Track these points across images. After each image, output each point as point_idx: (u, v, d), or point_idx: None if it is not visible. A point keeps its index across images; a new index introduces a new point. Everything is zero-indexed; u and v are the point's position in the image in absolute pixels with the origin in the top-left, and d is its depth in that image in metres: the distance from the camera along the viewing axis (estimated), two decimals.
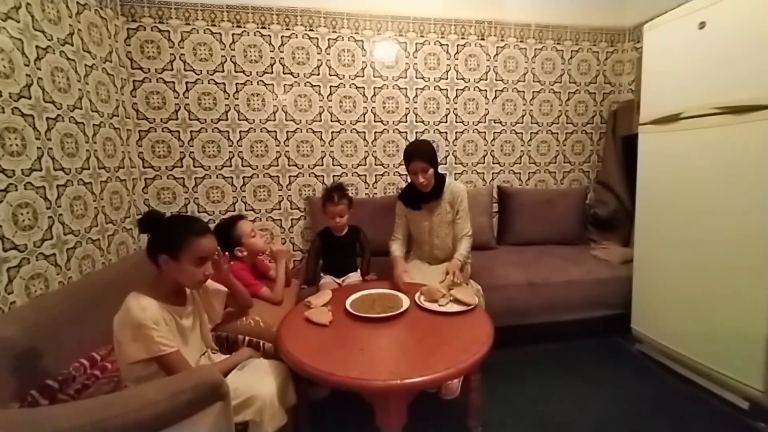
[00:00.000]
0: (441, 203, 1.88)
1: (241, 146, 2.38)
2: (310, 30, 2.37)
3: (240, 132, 2.37)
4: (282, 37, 2.34)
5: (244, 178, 2.42)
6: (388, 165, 2.62)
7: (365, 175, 2.60)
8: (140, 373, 1.04)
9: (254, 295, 1.58)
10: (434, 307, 1.46)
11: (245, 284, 1.56)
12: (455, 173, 2.72)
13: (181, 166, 2.33)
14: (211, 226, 1.37)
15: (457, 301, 1.49)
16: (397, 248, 1.93)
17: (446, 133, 2.66)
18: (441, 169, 2.02)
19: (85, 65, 1.75)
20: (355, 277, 1.96)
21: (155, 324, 1.02)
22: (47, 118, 1.48)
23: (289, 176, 2.48)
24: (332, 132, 2.50)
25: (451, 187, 1.89)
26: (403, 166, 2.59)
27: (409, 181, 1.91)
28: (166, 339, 1.03)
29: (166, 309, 1.09)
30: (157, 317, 1.04)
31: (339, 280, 1.93)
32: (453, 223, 1.89)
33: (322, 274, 1.97)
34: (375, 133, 2.56)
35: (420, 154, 1.77)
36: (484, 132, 2.73)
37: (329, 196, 1.87)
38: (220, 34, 2.27)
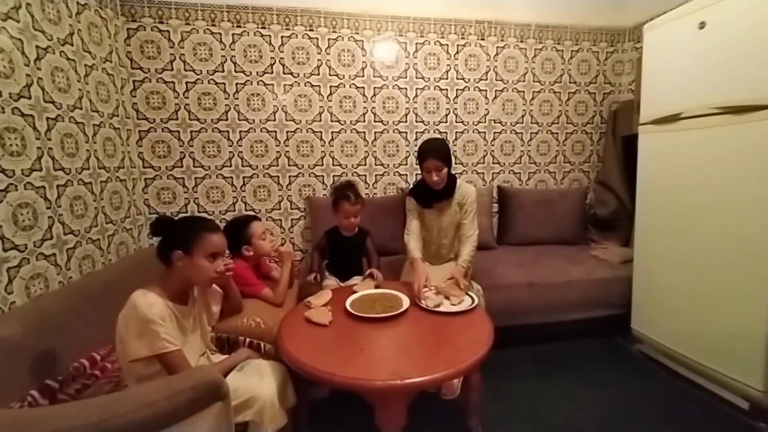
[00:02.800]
0: (451, 203, 1.87)
1: (241, 146, 2.38)
2: (310, 30, 2.37)
3: (240, 132, 2.37)
4: (282, 37, 2.34)
5: (244, 178, 2.42)
6: (388, 165, 2.62)
7: (365, 175, 2.60)
8: (141, 373, 1.04)
9: (255, 296, 1.58)
10: (434, 307, 1.46)
11: (247, 284, 1.56)
12: (455, 173, 2.71)
13: (181, 166, 2.33)
14: None
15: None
16: (414, 246, 1.84)
17: (446, 133, 2.66)
18: None
19: (85, 65, 1.75)
20: (359, 281, 1.93)
21: (162, 320, 1.03)
22: (47, 118, 1.48)
23: (289, 176, 2.48)
24: (332, 132, 2.50)
25: (462, 188, 1.88)
26: (403, 166, 2.63)
27: (417, 178, 1.91)
28: (171, 336, 1.04)
29: (170, 307, 1.10)
30: (164, 314, 1.05)
31: (342, 284, 1.91)
32: (460, 223, 1.89)
33: (327, 274, 1.96)
34: (375, 133, 2.56)
35: (435, 152, 1.74)
36: (484, 132, 2.73)
37: (345, 195, 1.82)
38: (220, 34, 2.27)
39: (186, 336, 1.16)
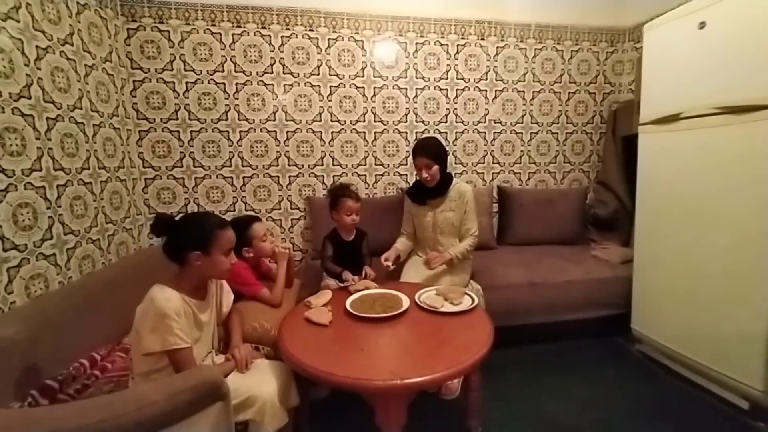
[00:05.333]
0: (446, 200, 1.93)
1: (241, 146, 2.38)
2: (310, 30, 2.37)
3: (240, 132, 2.37)
4: (282, 37, 2.34)
5: (244, 178, 2.42)
6: (388, 165, 2.62)
7: (365, 175, 2.60)
8: (152, 367, 1.06)
9: (254, 296, 1.58)
10: (434, 307, 1.46)
11: (246, 283, 1.56)
12: (455, 173, 2.71)
13: (181, 166, 2.33)
14: None
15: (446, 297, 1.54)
16: (399, 240, 2.01)
17: (446, 133, 2.66)
18: None
19: (85, 65, 1.75)
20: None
21: (177, 315, 1.04)
22: (47, 118, 1.48)
23: (289, 176, 2.48)
24: (332, 132, 2.50)
25: (457, 187, 1.95)
26: (403, 166, 2.63)
27: (417, 178, 1.97)
28: (183, 333, 1.05)
29: (187, 302, 1.12)
30: (179, 309, 1.07)
31: (342, 284, 1.90)
32: (460, 222, 1.94)
33: (324, 274, 1.95)
34: (375, 133, 2.56)
35: (424, 150, 1.85)
36: (484, 132, 2.73)
37: (348, 193, 1.82)
38: (220, 34, 2.27)
39: (201, 331, 1.18)
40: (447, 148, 2.64)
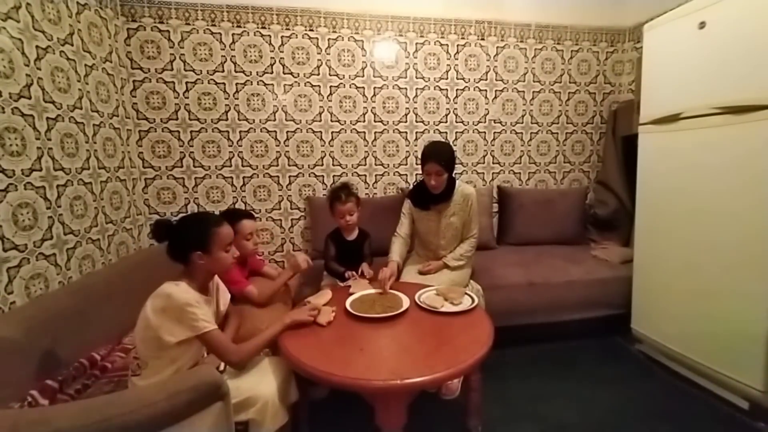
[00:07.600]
0: (450, 205, 1.88)
1: (241, 146, 2.38)
2: (310, 30, 2.37)
3: (240, 132, 2.37)
4: (282, 37, 2.34)
5: (244, 178, 2.42)
6: (388, 165, 2.62)
7: (365, 175, 2.60)
8: (174, 355, 1.09)
9: (240, 293, 1.57)
10: (434, 307, 1.46)
11: (232, 280, 1.54)
12: (455, 173, 2.71)
13: (181, 166, 2.33)
14: None
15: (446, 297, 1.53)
16: (396, 250, 1.90)
17: (446, 133, 2.66)
18: None
19: (85, 65, 1.75)
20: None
21: (197, 302, 1.09)
22: (47, 118, 1.48)
23: (289, 176, 2.48)
24: (332, 132, 2.50)
25: (461, 189, 1.89)
26: (403, 166, 2.63)
27: (417, 178, 1.93)
28: (208, 317, 1.10)
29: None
30: (198, 298, 1.11)
31: (342, 284, 1.90)
32: (463, 225, 1.91)
33: (325, 273, 1.95)
34: (375, 133, 2.56)
35: (437, 156, 1.76)
36: (484, 132, 2.73)
37: (336, 195, 1.83)
38: (220, 34, 2.27)
39: None
40: None
